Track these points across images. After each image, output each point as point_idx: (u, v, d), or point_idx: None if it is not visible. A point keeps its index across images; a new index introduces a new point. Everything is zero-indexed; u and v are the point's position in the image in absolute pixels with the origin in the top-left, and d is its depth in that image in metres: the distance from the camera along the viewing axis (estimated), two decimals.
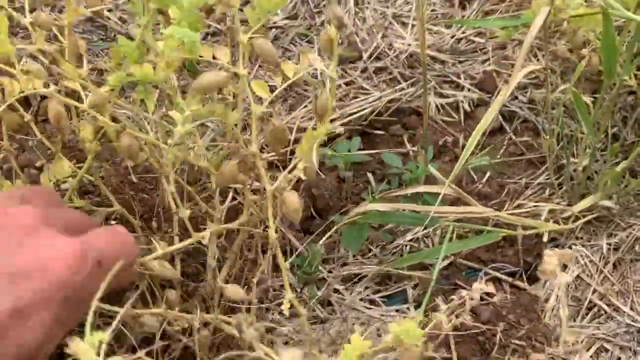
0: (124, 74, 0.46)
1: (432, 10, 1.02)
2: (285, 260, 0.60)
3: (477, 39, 0.98)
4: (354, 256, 0.80)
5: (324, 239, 0.73)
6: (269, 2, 0.46)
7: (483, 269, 0.79)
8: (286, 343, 0.73)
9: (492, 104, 0.62)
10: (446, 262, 0.79)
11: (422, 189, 0.66)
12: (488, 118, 0.62)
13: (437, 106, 0.90)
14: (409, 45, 0.97)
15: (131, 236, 0.50)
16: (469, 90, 0.92)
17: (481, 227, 0.74)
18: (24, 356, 0.43)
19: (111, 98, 0.49)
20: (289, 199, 0.48)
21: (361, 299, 0.77)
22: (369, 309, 0.76)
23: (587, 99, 0.79)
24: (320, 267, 0.77)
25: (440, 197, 0.62)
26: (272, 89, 0.50)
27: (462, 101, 0.91)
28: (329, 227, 0.75)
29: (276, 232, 0.49)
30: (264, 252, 0.68)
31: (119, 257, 0.46)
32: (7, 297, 0.41)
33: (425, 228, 0.76)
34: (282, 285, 0.74)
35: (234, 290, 0.53)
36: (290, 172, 0.50)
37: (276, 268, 0.74)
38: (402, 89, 0.91)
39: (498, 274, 0.79)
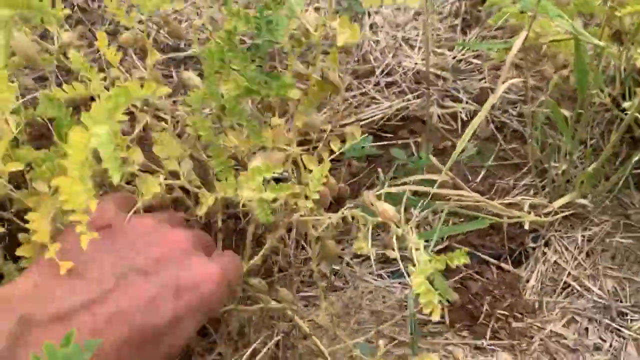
0: None
1: (437, 35, 1.17)
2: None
3: (475, 60, 1.13)
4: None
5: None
6: None
7: (474, 252, 0.92)
8: (306, 306, 0.86)
9: (482, 109, 0.76)
10: (443, 245, 0.92)
11: (423, 176, 0.80)
12: (476, 121, 0.76)
13: (438, 115, 1.05)
14: (416, 63, 1.12)
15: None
16: (467, 102, 1.07)
17: (473, 214, 0.87)
18: (169, 358, 0.52)
19: None
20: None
21: (370, 273, 0.90)
22: (376, 280, 0.89)
23: (568, 113, 0.93)
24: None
25: (438, 182, 0.76)
26: None
27: (460, 112, 1.05)
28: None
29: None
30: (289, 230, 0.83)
31: (238, 278, 0.59)
32: (169, 306, 0.51)
33: (423, 210, 0.90)
34: (305, 259, 0.89)
35: None
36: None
37: (297, 244, 0.88)
38: (409, 100, 1.06)
39: (486, 257, 0.92)
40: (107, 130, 0.43)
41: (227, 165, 0.62)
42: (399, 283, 0.89)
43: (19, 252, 0.54)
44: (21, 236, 0.54)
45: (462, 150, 0.76)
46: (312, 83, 0.63)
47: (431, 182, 0.80)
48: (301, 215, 0.63)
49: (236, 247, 0.76)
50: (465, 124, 1.05)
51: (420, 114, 1.04)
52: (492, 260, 0.92)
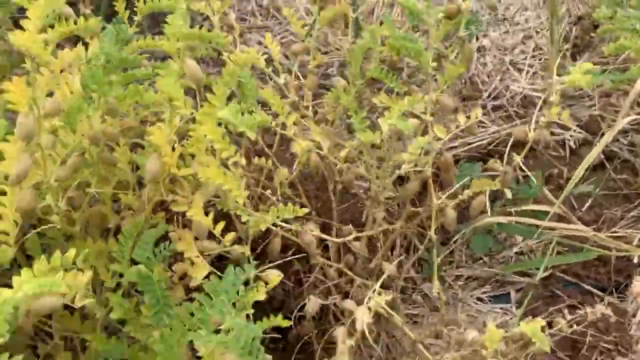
0: None
1: (545, 60, 1.17)
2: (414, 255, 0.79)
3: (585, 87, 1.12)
4: (465, 261, 0.96)
5: (450, 244, 0.89)
6: None
7: (579, 283, 0.92)
8: (407, 322, 0.89)
9: (599, 143, 0.76)
10: (547, 273, 0.93)
11: (534, 207, 0.81)
12: (593, 154, 0.77)
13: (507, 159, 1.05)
14: (524, 88, 1.12)
15: None
16: (575, 130, 1.06)
17: (580, 245, 0.88)
18: None
19: None
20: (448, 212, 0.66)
21: (471, 296, 0.92)
22: (477, 304, 0.91)
23: None
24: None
25: (550, 214, 0.77)
26: None
27: (568, 139, 1.05)
28: (452, 236, 0.91)
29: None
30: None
31: None
32: None
33: (523, 240, 0.91)
34: (406, 278, 0.92)
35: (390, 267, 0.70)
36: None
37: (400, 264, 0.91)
38: (517, 125, 1.06)
39: (591, 289, 0.92)
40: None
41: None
42: (500, 308, 0.91)
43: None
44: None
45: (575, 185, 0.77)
46: None
47: (542, 212, 0.81)
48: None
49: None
50: (573, 152, 1.05)
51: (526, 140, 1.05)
52: (596, 292, 0.92)
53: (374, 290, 0.55)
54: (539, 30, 1.22)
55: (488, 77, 1.15)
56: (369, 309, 0.51)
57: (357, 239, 0.67)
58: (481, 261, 0.96)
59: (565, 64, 1.16)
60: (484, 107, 1.10)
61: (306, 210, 0.53)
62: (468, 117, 0.68)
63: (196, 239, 0.53)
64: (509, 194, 0.68)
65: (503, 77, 1.15)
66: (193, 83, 0.56)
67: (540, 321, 0.61)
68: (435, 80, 0.66)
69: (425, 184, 0.73)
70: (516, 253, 0.96)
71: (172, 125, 0.51)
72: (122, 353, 0.54)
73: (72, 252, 0.42)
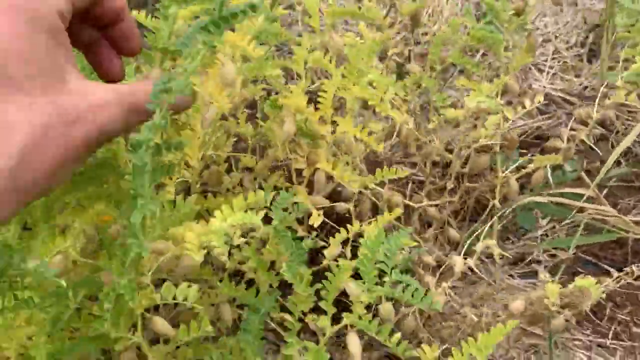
0: None
1: (564, 62, 1.27)
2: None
3: (600, 88, 1.23)
4: (490, 235, 1.04)
5: (488, 224, 0.97)
6: None
7: (597, 262, 1.02)
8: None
9: (626, 138, 0.86)
10: (570, 252, 1.02)
11: (571, 189, 0.91)
12: (623, 145, 0.86)
13: (567, 137, 1.15)
14: (544, 87, 1.22)
15: None
16: (593, 127, 1.16)
17: (600, 227, 0.98)
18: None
19: None
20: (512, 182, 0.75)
21: (502, 271, 1.01)
22: (508, 279, 1.00)
23: None
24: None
25: (585, 196, 0.86)
26: None
27: (587, 134, 1.15)
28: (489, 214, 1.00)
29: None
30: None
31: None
32: None
33: (548, 222, 1.01)
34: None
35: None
36: None
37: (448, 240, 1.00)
38: (540, 120, 1.16)
39: (609, 268, 1.02)
40: None
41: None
42: (529, 283, 1.00)
43: None
44: None
45: (607, 171, 0.87)
46: None
47: (574, 195, 0.91)
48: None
49: None
50: (590, 147, 1.15)
51: (550, 134, 1.15)
52: (613, 271, 1.02)
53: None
54: (557, 35, 1.32)
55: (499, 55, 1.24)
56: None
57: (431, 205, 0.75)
58: (509, 240, 1.05)
59: (582, 67, 1.27)
60: (509, 103, 1.20)
61: (407, 172, 0.61)
62: (532, 101, 0.77)
63: (309, 194, 0.61)
64: (569, 167, 0.77)
65: (526, 76, 1.24)
66: (223, 84, 0.63)
67: (591, 279, 0.70)
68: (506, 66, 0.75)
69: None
70: (541, 235, 1.05)
71: (303, 87, 0.58)
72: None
73: (261, 193, 0.49)
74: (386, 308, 0.59)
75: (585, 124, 0.82)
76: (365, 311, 0.54)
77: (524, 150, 1.13)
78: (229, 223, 0.45)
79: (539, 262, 1.03)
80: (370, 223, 0.62)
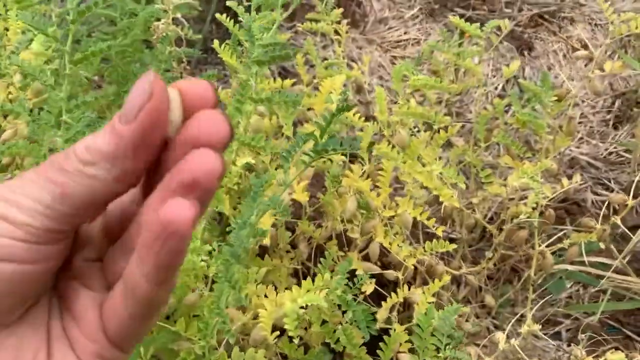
0: None
1: (590, 127, 1.32)
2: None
3: (625, 154, 1.27)
4: (522, 301, 1.08)
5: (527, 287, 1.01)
6: None
7: (621, 328, 1.05)
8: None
9: None
10: (592, 317, 1.05)
11: (599, 259, 0.95)
12: None
13: (592, 201, 1.19)
14: (571, 150, 1.26)
15: None
16: (617, 192, 1.20)
17: (623, 294, 1.01)
18: None
19: None
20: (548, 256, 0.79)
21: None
22: (534, 340, 1.04)
23: None
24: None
25: (613, 267, 0.90)
26: None
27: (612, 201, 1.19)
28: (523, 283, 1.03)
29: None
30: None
31: None
32: None
33: (583, 287, 1.04)
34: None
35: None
36: None
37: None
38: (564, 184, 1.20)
39: (632, 334, 1.05)
40: None
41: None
42: (553, 345, 1.03)
43: None
44: None
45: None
46: None
47: (602, 264, 0.94)
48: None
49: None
50: (616, 212, 1.18)
51: (576, 198, 1.19)
52: (637, 337, 1.05)
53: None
54: (584, 100, 1.37)
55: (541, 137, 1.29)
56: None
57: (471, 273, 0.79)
58: (534, 301, 1.08)
59: (608, 132, 1.31)
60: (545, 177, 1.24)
61: (455, 245, 0.66)
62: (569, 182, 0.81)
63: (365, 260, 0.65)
64: (602, 246, 0.81)
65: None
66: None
67: (621, 354, 0.73)
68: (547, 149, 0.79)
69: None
70: (565, 297, 1.08)
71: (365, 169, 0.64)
72: None
73: (327, 277, 0.54)
74: None
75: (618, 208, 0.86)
76: None
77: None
78: (300, 304, 0.49)
79: (561, 323, 1.06)
80: (415, 287, 0.66)
